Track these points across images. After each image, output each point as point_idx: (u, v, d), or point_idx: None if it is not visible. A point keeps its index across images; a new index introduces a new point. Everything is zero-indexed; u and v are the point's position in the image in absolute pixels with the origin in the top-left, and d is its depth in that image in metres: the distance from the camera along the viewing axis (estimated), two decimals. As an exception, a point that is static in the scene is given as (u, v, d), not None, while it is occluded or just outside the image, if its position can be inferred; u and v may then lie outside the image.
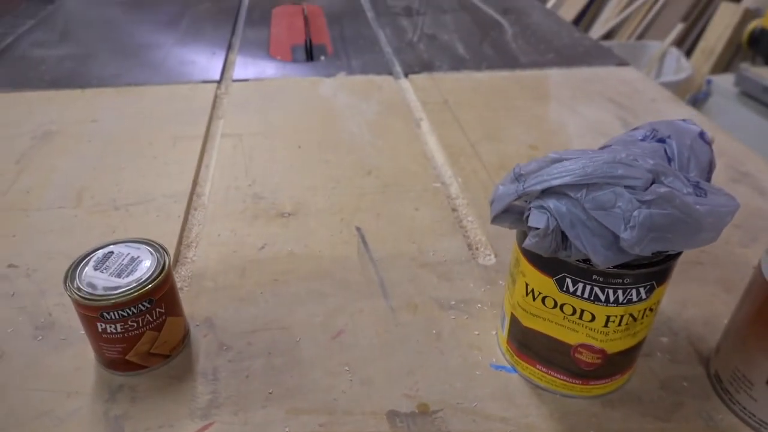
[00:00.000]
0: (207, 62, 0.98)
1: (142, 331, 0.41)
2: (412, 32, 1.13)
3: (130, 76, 0.92)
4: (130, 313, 0.39)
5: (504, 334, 0.43)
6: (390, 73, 0.95)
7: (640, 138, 0.39)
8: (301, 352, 0.45)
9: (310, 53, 1.03)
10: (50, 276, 0.52)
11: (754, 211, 0.61)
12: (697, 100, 1.88)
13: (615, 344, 0.38)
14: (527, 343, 0.41)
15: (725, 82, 1.79)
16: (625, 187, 0.32)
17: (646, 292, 0.36)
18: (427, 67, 0.97)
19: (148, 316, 0.40)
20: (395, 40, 1.09)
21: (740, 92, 1.71)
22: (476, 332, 0.46)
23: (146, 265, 0.41)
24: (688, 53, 2.20)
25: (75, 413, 0.40)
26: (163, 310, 0.41)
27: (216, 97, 0.86)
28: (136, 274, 0.40)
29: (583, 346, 0.38)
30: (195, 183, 0.66)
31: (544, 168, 0.34)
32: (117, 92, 0.87)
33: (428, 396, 0.41)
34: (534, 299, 0.38)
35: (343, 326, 0.47)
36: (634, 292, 0.36)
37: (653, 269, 0.35)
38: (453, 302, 0.49)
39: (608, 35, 2.23)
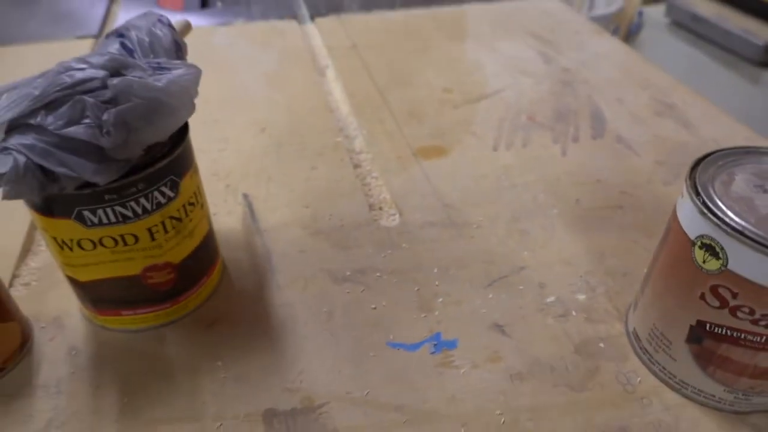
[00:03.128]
0: (85, 14, 0.86)
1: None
2: (322, -29, 1.03)
3: (-8, 36, 0.80)
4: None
5: (79, 301, 0.39)
6: (294, 17, 0.86)
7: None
8: (166, 348, 0.38)
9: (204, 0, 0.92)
10: None
11: (678, 146, 0.57)
12: (630, 33, 1.84)
13: (175, 252, 0.37)
14: (98, 296, 0.37)
15: (657, 13, 1.75)
16: (85, 92, 0.29)
17: (173, 188, 0.34)
18: (335, 8, 0.88)
19: (-45, 328, 0.33)
20: (302, -19, 0.98)
21: (671, 22, 1.68)
22: (373, 306, 0.41)
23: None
24: (621, -15, 2.15)
25: None
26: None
27: (92, 54, 0.75)
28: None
29: (147, 269, 0.36)
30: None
31: None
32: (-25, 55, 0.75)
33: (313, 388, 0.36)
34: (71, 249, 0.34)
35: (220, 313, 0.40)
36: (158, 194, 0.34)
37: (160, 164, 0.33)
38: (348, 273, 0.43)
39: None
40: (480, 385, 0.36)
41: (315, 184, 0.52)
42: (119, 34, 0.36)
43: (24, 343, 0.38)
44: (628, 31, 1.85)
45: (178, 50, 0.36)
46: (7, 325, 0.36)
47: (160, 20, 0.37)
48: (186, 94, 0.32)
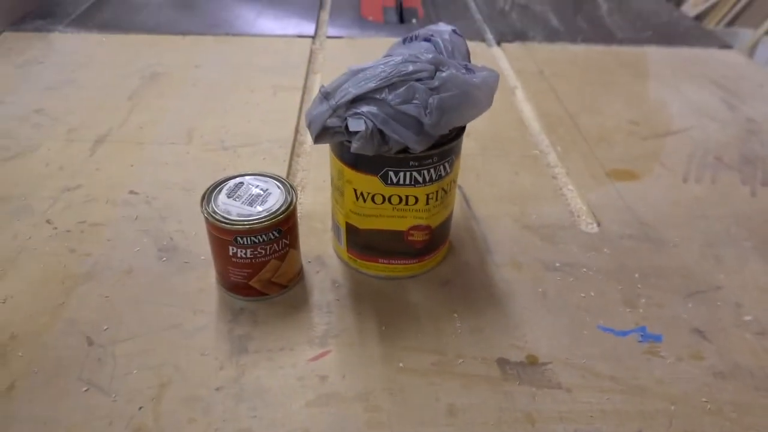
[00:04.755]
0: (300, 18, 0.99)
1: (268, 259, 0.43)
2: (504, 1, 1.11)
3: (228, 27, 0.94)
4: (261, 240, 0.41)
5: (342, 246, 0.47)
6: (482, 39, 0.94)
7: (403, 43, 0.46)
8: (410, 296, 0.46)
9: (401, 15, 1.03)
10: (169, 204, 0.55)
11: None
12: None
13: (436, 218, 0.45)
14: (367, 244, 0.46)
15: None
16: (417, 80, 0.38)
17: (449, 166, 0.42)
18: (520, 36, 0.95)
19: (275, 245, 0.42)
20: (486, 8, 1.07)
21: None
22: (582, 294, 0.47)
23: (275, 197, 0.43)
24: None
25: (202, 329, 0.43)
26: (288, 242, 0.43)
27: (311, 52, 0.87)
28: (267, 205, 0.42)
29: (413, 228, 0.44)
30: (296, 131, 0.67)
31: (348, 80, 0.39)
32: (216, 41, 0.89)
33: (537, 349, 0.42)
34: (365, 201, 0.43)
35: (450, 276, 0.48)
36: (441, 168, 0.42)
37: (451, 145, 0.41)
38: (558, 264, 0.50)
39: (696, 18, 2.13)
40: (686, 375, 0.41)
41: (519, 186, 0.59)
42: (425, 38, 0.45)
43: (300, 269, 0.47)
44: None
45: (468, 56, 0.45)
46: (297, 253, 0.46)
47: (454, 31, 0.45)
48: (490, 91, 0.40)
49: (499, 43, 0.93)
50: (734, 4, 2.07)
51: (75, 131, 0.65)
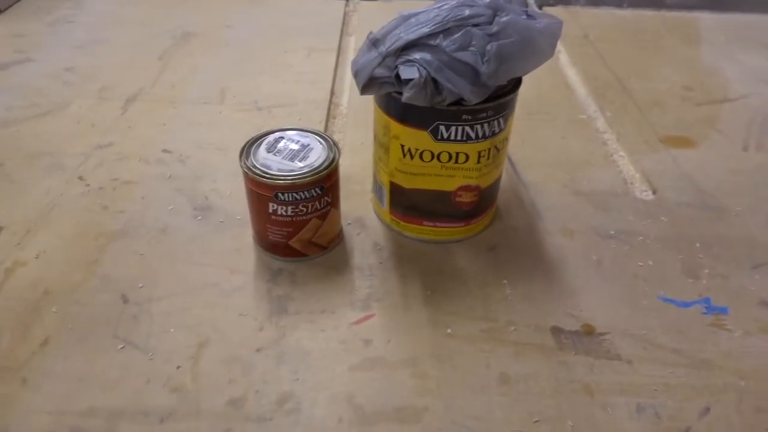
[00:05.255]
0: (333, -20, 0.95)
1: (309, 218, 0.41)
2: (544, -35, 1.06)
3: (259, -12, 0.91)
4: (302, 197, 0.39)
5: (385, 207, 0.45)
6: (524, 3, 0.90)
7: None
8: (456, 261, 0.44)
9: (437, -21, 0.99)
10: (203, 163, 0.53)
11: None
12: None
13: (486, 178, 0.42)
14: (411, 205, 0.43)
15: None
16: (474, 25, 0.35)
17: (504, 122, 0.40)
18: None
19: (316, 203, 0.40)
20: (526, -28, 1.02)
21: None
22: (640, 263, 0.44)
23: (317, 153, 0.40)
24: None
25: (240, 289, 0.41)
26: (329, 200, 0.41)
27: (345, 14, 0.84)
28: (309, 161, 0.40)
29: (461, 188, 0.42)
30: (332, 93, 0.65)
31: (399, 26, 0.37)
32: (247, 1, 0.86)
33: (593, 318, 0.39)
34: (412, 158, 0.40)
35: (498, 241, 0.45)
36: (496, 123, 0.39)
37: (507, 98, 0.39)
38: (612, 232, 0.47)
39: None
40: (754, 349, 0.38)
41: (567, 151, 0.56)
42: None
43: (341, 230, 0.45)
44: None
45: (526, 2, 0.42)
46: (338, 212, 0.43)
47: None
48: (554, 38, 0.37)
49: (540, 7, 0.89)
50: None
51: (106, 89, 0.63)
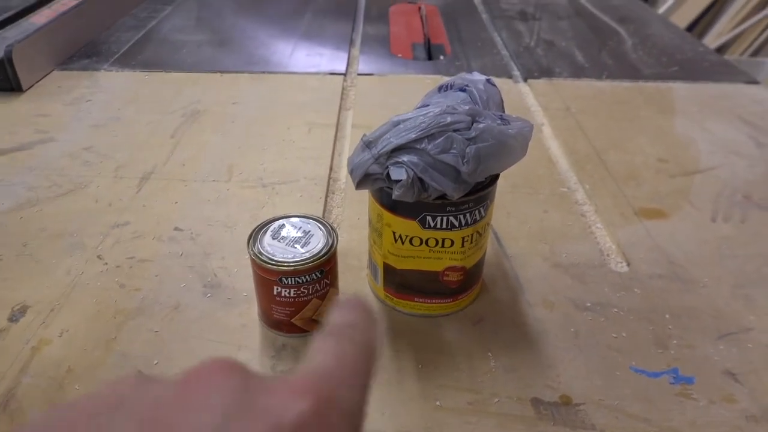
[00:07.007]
0: (332, 55, 1.03)
1: (310, 298, 0.45)
2: (529, 37, 1.13)
3: (264, 64, 0.98)
4: (304, 280, 0.43)
5: (380, 284, 0.50)
6: (509, 76, 0.96)
7: (439, 91, 0.47)
8: (444, 334, 0.48)
9: (429, 52, 1.06)
10: (212, 241, 0.57)
11: None
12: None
13: (470, 259, 0.47)
14: (403, 283, 0.48)
15: None
16: (455, 131, 0.40)
17: (484, 210, 0.45)
18: (546, 72, 0.97)
19: (317, 285, 0.44)
20: (512, 44, 1.10)
21: None
22: (614, 335, 0.48)
23: (317, 239, 0.45)
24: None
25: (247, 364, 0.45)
26: (328, 281, 0.45)
27: (343, 89, 0.90)
28: (310, 247, 0.44)
29: (448, 269, 0.46)
30: (331, 168, 0.70)
31: (389, 131, 0.41)
32: (252, 78, 0.93)
33: (570, 389, 0.43)
34: (403, 243, 0.45)
35: (483, 315, 0.49)
36: (477, 212, 0.44)
37: (486, 191, 0.44)
38: (588, 304, 0.51)
39: (720, 49, 2.13)
40: (718, 418, 0.41)
41: (549, 225, 0.61)
42: (461, 88, 0.47)
43: (339, 308, 0.49)
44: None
45: (502, 106, 0.47)
46: (335, 291, 0.48)
47: (488, 80, 0.48)
48: (525, 141, 0.42)
49: (525, 80, 0.95)
50: (759, 35, 2.07)
51: (122, 168, 0.69)
